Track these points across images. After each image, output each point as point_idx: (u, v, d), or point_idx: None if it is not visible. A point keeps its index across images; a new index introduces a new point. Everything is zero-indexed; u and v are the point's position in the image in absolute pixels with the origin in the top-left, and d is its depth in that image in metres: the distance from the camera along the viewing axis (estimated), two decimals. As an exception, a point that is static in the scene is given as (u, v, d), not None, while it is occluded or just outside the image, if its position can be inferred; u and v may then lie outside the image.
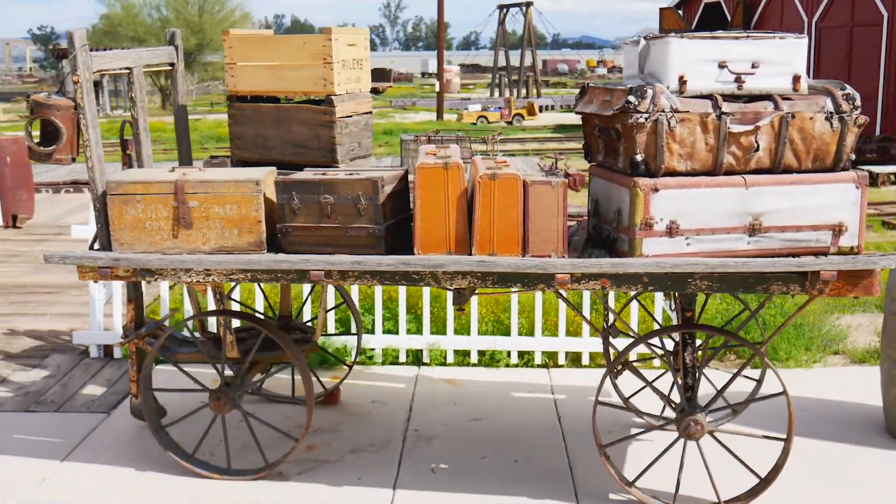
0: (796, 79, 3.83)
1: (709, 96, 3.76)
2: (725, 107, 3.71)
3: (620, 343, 5.27)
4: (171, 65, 4.87)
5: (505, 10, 50.76)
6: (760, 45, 3.80)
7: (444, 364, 5.95)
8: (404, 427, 4.97)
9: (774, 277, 3.64)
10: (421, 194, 3.85)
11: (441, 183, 3.84)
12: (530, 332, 5.98)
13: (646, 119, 3.63)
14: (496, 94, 50.41)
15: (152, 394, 4.40)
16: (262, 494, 4.23)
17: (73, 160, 4.21)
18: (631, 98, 3.65)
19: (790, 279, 3.64)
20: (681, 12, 31.69)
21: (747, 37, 3.80)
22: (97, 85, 43.56)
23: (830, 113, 3.79)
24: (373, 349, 5.97)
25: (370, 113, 4.76)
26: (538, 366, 5.91)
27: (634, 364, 4.95)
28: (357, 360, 5.49)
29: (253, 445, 4.60)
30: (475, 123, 32.63)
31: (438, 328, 6.03)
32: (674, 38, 3.73)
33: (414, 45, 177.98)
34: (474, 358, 5.95)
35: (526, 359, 5.94)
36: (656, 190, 3.67)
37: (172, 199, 4.07)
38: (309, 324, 5.45)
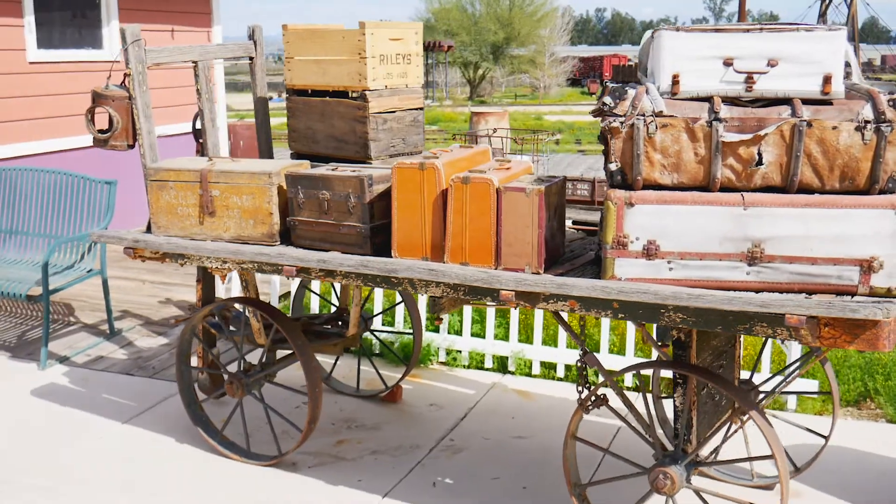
0: (826, 80, 3.18)
1: (709, 99, 3.24)
2: (724, 111, 3.18)
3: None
4: (251, 59, 5.10)
5: (827, 1, 46.89)
6: (779, 38, 3.20)
7: (529, 375, 5.69)
8: (442, 435, 4.83)
9: (757, 317, 3.05)
10: (397, 195, 3.71)
11: (417, 184, 3.67)
12: (621, 351, 5.53)
13: (621, 124, 3.21)
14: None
15: (189, 369, 4.65)
16: (258, 480, 4.33)
17: (131, 147, 4.56)
18: (607, 99, 3.25)
19: (776, 321, 3.03)
20: None
21: (761, 29, 3.21)
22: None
23: (864, 122, 3.10)
24: (459, 351, 5.85)
25: (420, 109, 4.65)
26: (629, 388, 5.45)
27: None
28: (417, 360, 5.40)
29: (292, 432, 4.73)
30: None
31: (528, 336, 5.77)
32: (666, 31, 3.26)
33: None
34: (560, 372, 5.62)
35: (616, 378, 5.49)
36: (631, 204, 3.23)
37: (199, 187, 4.27)
38: (378, 317, 5.47)
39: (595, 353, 5.48)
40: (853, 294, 3.15)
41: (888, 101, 3.11)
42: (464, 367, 5.82)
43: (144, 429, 4.89)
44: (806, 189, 3.20)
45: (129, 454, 4.59)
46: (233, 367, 5.34)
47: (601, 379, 3.56)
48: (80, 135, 8.46)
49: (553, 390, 5.47)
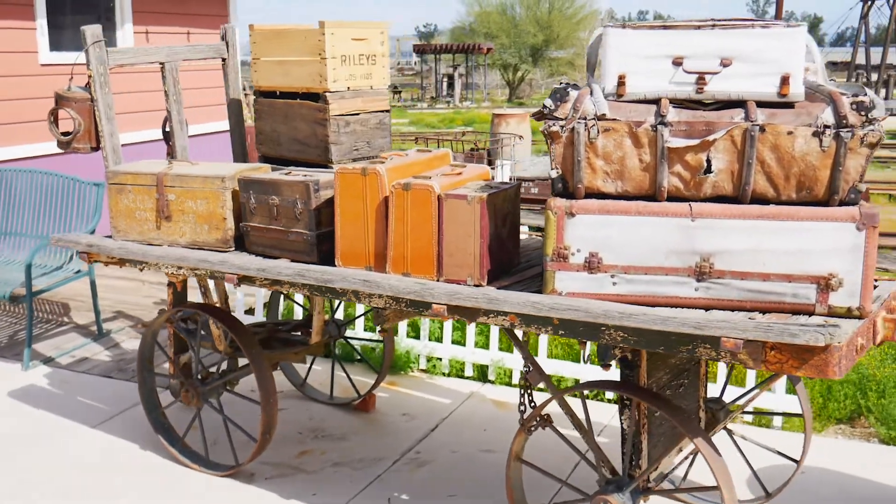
0: (784, 80, 2.95)
1: (658, 101, 3.03)
2: (672, 115, 2.96)
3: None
4: (223, 60, 4.99)
5: (869, 2, 45.63)
6: (732, 36, 2.97)
7: (509, 384, 5.50)
8: (409, 447, 4.66)
9: (698, 338, 2.82)
10: (340, 202, 3.56)
11: (360, 190, 3.51)
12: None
13: (561, 128, 3.02)
14: (852, 94, 45.38)
15: (151, 375, 4.56)
16: (212, 491, 4.22)
17: (94, 149, 4.48)
18: (548, 102, 3.05)
19: (718, 343, 2.80)
20: None
21: (713, 26, 2.99)
22: (450, 79, 46.42)
23: (822, 127, 2.86)
24: (439, 358, 5.68)
25: (387, 111, 4.49)
26: (609, 401, 5.23)
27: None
28: (389, 368, 5.23)
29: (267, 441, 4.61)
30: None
31: (510, 345, 5.58)
32: (612, 29, 3.05)
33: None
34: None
35: (597, 392, 5.29)
36: (572, 214, 3.04)
37: (155, 191, 4.17)
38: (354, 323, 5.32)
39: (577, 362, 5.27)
40: (810, 313, 2.92)
41: (851, 103, 2.87)
42: (444, 374, 5.65)
43: (112, 434, 4.81)
44: (760, 199, 2.97)
45: (89, 461, 4.52)
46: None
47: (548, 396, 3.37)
48: (134, 131, 8.46)
49: (535, 402, 5.27)
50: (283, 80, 4.41)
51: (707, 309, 2.99)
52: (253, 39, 4.53)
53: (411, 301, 3.28)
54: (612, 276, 3.04)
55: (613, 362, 3.28)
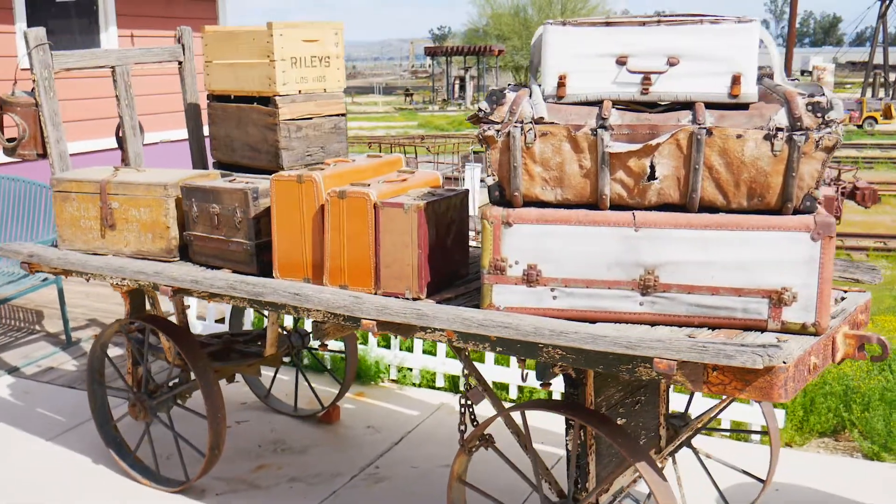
0: (735, 80, 2.75)
1: (598, 103, 2.84)
2: (614, 117, 2.77)
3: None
4: (180, 63, 4.84)
5: (887, 1, 45.08)
6: (680, 33, 2.78)
7: (483, 397, 5.30)
8: (369, 462, 4.49)
9: (638, 358, 2.63)
10: (276, 211, 3.39)
11: (296, 198, 3.34)
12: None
13: (496, 132, 2.83)
14: (868, 93, 44.99)
15: (102, 388, 4.41)
16: (157, 511, 4.06)
17: (41, 156, 4.33)
18: (484, 105, 2.87)
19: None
20: None
21: (658, 22, 2.80)
22: (461, 81, 46.24)
23: (774, 130, 2.66)
24: (410, 368, 5.50)
25: (342, 115, 4.32)
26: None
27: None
28: (353, 379, 5.05)
29: (227, 455, 4.45)
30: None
31: (481, 356, 5.39)
32: (552, 26, 2.86)
33: (800, 41, 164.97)
34: (513, 393, 5.23)
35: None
36: (509, 224, 2.85)
37: (99, 198, 4.02)
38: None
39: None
40: (763, 330, 2.73)
41: (806, 104, 2.67)
42: (415, 385, 5.47)
43: (66, 447, 4.67)
44: (709, 207, 2.78)
45: (37, 476, 4.37)
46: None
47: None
48: (76, 140, 8.33)
49: (507, 415, 5.08)
50: (235, 83, 4.24)
51: (653, 325, 2.80)
52: (205, 41, 4.37)
53: (342, 316, 3.10)
54: (552, 290, 2.86)
55: (558, 379, 3.09)
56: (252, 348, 4.57)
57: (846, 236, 14.05)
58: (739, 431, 3.87)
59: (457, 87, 46.53)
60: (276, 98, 4.03)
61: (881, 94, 44.68)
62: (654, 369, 2.50)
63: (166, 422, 4.19)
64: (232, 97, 4.29)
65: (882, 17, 45.28)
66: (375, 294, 3.19)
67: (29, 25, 8.26)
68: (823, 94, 2.71)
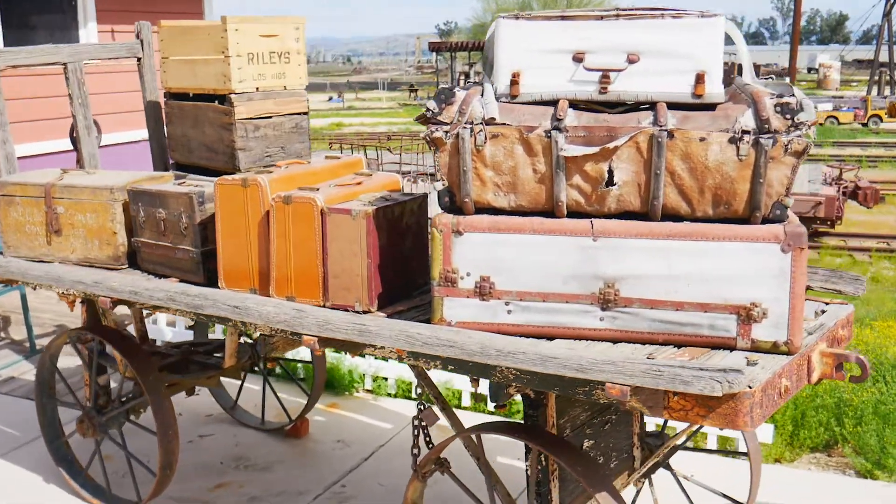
0: (699, 79, 2.54)
1: (554, 103, 2.63)
2: (570, 118, 2.57)
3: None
4: (138, 59, 4.64)
5: (891, 0, 44.64)
6: (640, 28, 2.57)
7: (458, 406, 5.11)
8: (336, 479, 4.29)
9: (594, 381, 2.41)
10: (221, 216, 3.19)
11: (241, 203, 3.14)
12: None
13: (445, 133, 2.63)
14: (874, 91, 44.61)
15: (52, 402, 4.21)
16: (106, 531, 3.87)
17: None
18: (431, 104, 2.67)
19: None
20: None
21: (617, 16, 2.59)
22: (466, 76, 46.00)
23: (740, 133, 2.45)
24: (385, 378, 5.30)
25: (304, 114, 4.11)
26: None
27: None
28: (321, 390, 4.85)
29: (183, 470, 4.25)
30: (822, 124, 29.08)
31: (459, 365, 5.18)
32: (504, 20, 2.66)
33: (807, 38, 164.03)
34: (491, 405, 5.02)
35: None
36: (459, 232, 2.65)
37: (44, 203, 3.83)
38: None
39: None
40: (731, 348, 2.52)
41: (775, 105, 2.46)
42: (390, 395, 5.27)
43: (18, 465, 4.48)
44: (673, 216, 2.57)
45: (-14, 494, 4.18)
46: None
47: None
48: (53, 139, 8.16)
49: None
50: (192, 80, 4.04)
51: (615, 342, 2.59)
52: (161, 37, 4.17)
53: (286, 332, 2.90)
54: (507, 304, 2.65)
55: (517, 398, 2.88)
56: (212, 359, 4.37)
57: (848, 236, 13.79)
58: (722, 452, 3.65)
59: (461, 82, 46.27)
60: (232, 96, 3.83)
61: (886, 91, 44.37)
62: (664, 397, 2.29)
63: (117, 439, 3.99)
64: (191, 95, 4.10)
65: (887, 15, 44.85)
66: (324, 306, 2.99)
67: (3, 21, 8.08)
68: (793, 95, 2.50)
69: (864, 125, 29.37)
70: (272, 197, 3.03)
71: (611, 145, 2.50)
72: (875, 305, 9.42)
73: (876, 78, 45.82)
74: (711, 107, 2.58)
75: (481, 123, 2.60)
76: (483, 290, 2.65)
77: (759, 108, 2.46)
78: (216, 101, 3.90)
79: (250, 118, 3.89)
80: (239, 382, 4.93)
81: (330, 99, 49.70)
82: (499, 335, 2.61)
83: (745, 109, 2.49)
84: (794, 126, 2.44)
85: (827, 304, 3.05)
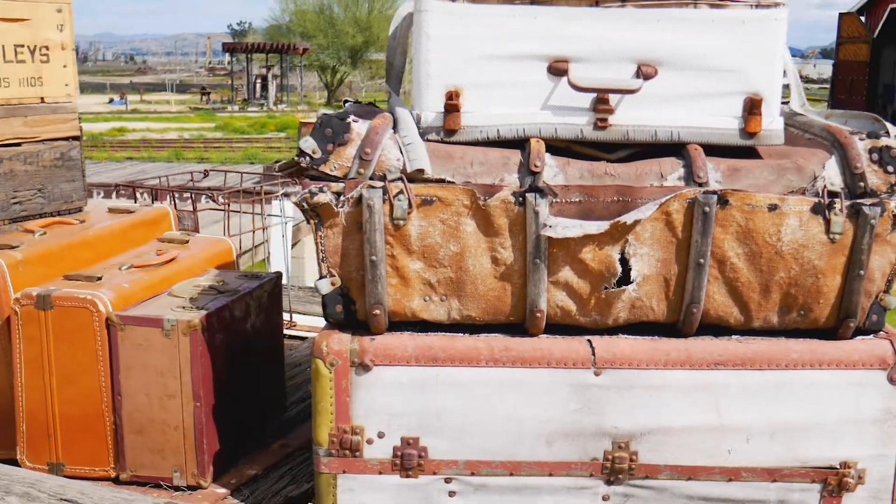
0: (753, 106, 1.57)
1: (522, 143, 1.57)
2: (550, 170, 1.52)
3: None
4: None
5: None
6: (660, 22, 1.57)
7: None
8: None
9: None
10: (-73, 325, 1.88)
11: (-38, 304, 1.85)
12: None
13: (336, 197, 1.50)
14: None
15: None
16: None
17: None
18: (309, 143, 1.52)
19: None
20: (863, 18, 26.97)
21: (623, 2, 1.57)
22: (263, 80, 44.02)
23: (830, 196, 1.51)
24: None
25: (76, 138, 2.81)
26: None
27: None
28: None
29: None
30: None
31: None
32: (434, 2, 1.56)
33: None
34: None
35: None
36: (364, 366, 1.53)
37: None
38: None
39: None
40: (807, 536, 1.57)
41: (869, 150, 1.54)
42: None
43: None
44: (713, 327, 1.59)
45: None
46: None
47: None
48: None
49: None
50: None
51: (624, 535, 1.57)
52: None
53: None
54: (448, 482, 1.56)
55: None
56: None
57: None
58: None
59: (258, 86, 44.33)
60: (-44, 115, 2.48)
61: None
62: None
63: None
64: None
65: None
66: (116, 481, 1.76)
67: None
68: (888, 133, 1.59)
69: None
70: (16, 295, 1.76)
71: (627, 218, 1.48)
72: None
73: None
74: (757, 153, 1.63)
75: (400, 179, 1.49)
76: (407, 462, 1.55)
77: (849, 157, 1.53)
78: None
79: (-12, 147, 2.55)
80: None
81: (111, 101, 46.20)
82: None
83: (825, 157, 1.55)
84: (901, 184, 1.53)
85: None
